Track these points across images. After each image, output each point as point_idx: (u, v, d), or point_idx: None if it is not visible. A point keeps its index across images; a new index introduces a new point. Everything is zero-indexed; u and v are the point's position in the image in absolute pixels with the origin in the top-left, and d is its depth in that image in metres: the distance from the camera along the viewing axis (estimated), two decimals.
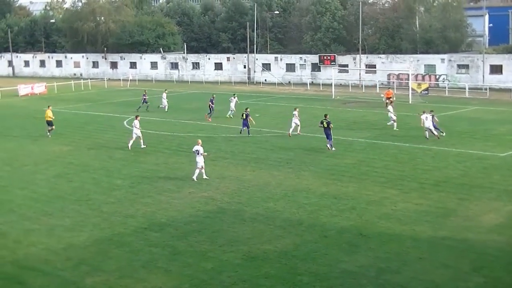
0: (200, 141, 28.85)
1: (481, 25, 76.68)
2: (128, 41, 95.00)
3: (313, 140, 37.82)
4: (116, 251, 19.66)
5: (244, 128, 39.54)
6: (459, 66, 70.40)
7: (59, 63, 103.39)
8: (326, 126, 34.45)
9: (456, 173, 28.84)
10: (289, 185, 27.24)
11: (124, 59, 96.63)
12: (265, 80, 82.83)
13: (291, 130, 39.20)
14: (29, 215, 23.73)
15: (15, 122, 49.07)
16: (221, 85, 78.94)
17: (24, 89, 71.86)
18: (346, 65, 77.23)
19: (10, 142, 39.92)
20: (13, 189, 27.76)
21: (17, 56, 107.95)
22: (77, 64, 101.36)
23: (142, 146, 36.09)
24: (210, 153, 31.23)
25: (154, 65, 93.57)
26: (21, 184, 28.60)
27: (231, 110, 47.98)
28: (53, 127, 41.12)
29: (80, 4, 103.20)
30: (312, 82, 77.54)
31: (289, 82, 78.42)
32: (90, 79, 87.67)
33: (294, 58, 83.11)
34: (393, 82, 69.73)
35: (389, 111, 42.80)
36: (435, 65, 71.78)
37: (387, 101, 53.39)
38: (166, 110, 52.73)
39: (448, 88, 65.22)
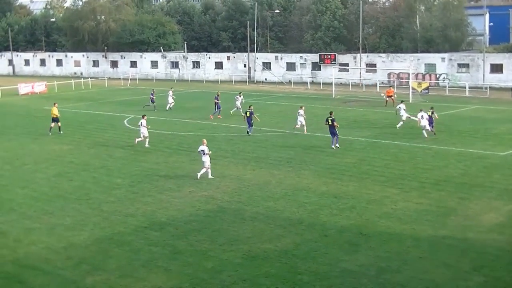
0: (205, 140, 28.84)
1: (482, 24, 76.64)
2: (129, 40, 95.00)
3: (314, 139, 37.81)
4: (116, 250, 19.66)
5: (250, 128, 39.69)
6: (460, 65, 70.36)
7: (59, 62, 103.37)
8: (331, 123, 34.52)
9: (456, 172, 28.83)
10: (289, 184, 27.23)
11: (124, 58, 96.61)
12: (266, 79, 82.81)
13: (298, 126, 39.63)
14: (30, 214, 23.73)
15: (16, 121, 49.07)
16: (222, 84, 78.92)
17: (24, 88, 71.81)
18: (347, 64, 77.19)
19: (11, 141, 39.93)
20: (14, 188, 27.77)
21: (17, 55, 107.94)
22: (77, 63, 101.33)
23: (146, 145, 36.21)
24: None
25: (154, 64, 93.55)
26: (21, 183, 28.61)
27: (237, 108, 48.17)
28: (59, 123, 41.58)
29: (80, 3, 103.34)
30: (313, 81, 77.53)
31: (290, 81, 78.39)
32: (91, 78, 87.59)
33: (294, 57, 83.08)
34: (394, 81, 69.70)
35: (405, 115, 40.71)
36: (435, 64, 71.74)
37: (387, 99, 53.44)
38: (167, 108, 52.73)
39: (448, 87, 65.21)
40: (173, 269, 18.05)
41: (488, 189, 25.71)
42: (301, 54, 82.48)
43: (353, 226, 21.46)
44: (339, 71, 74.17)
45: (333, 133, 34.64)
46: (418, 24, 76.74)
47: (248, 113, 39.85)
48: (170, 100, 53.42)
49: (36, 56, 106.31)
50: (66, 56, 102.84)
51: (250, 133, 39.54)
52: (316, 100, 58.67)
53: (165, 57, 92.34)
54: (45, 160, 33.50)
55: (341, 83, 71.99)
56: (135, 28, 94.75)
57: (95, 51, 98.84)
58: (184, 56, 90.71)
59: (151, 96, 54.28)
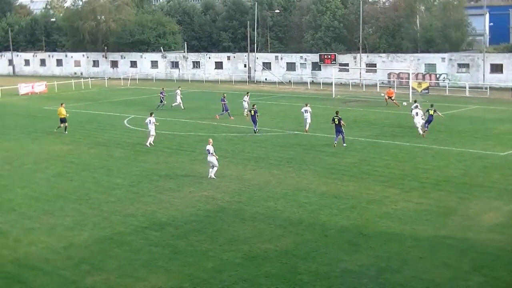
0: (211, 140, 28.82)
1: (482, 24, 76.60)
2: (129, 40, 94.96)
3: (314, 139, 37.81)
4: (116, 250, 19.66)
5: (256, 125, 39.91)
6: (460, 65, 70.30)
7: (59, 62, 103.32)
8: (337, 123, 34.57)
9: (456, 172, 28.82)
10: (290, 184, 27.23)
11: (124, 58, 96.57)
12: (266, 79, 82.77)
13: (307, 128, 39.86)
14: (30, 214, 23.73)
15: (16, 121, 49.05)
16: (222, 84, 78.92)
17: (24, 88, 71.79)
18: (347, 64, 77.14)
19: (10, 141, 39.92)
20: (14, 188, 27.76)
21: (17, 55, 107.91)
22: (77, 63, 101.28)
23: (147, 144, 36.15)
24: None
25: (154, 64, 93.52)
26: (21, 183, 28.60)
27: (246, 109, 48.18)
28: (66, 124, 41.66)
29: (80, 3, 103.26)
30: (313, 81, 77.50)
31: (290, 81, 78.35)
32: (91, 78, 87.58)
33: (294, 57, 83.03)
34: (394, 81, 69.69)
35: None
36: (435, 64, 71.68)
37: (389, 99, 53.42)
38: (172, 105, 52.75)
39: (448, 87, 65.15)
40: (173, 269, 18.04)
41: (488, 189, 25.69)
42: (301, 54, 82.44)
43: (353, 226, 21.46)
44: (339, 71, 74.13)
45: (339, 132, 34.69)
46: (418, 24, 76.71)
47: (252, 111, 40.23)
48: (178, 99, 53.56)
49: (36, 56, 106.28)
50: (66, 56, 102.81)
51: (257, 131, 39.70)
52: (316, 100, 58.57)
53: (165, 57, 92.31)
54: (45, 160, 33.49)
55: (341, 83, 71.96)
56: (135, 28, 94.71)
57: (95, 51, 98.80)
58: (184, 56, 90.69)
59: (161, 95, 54.35)
